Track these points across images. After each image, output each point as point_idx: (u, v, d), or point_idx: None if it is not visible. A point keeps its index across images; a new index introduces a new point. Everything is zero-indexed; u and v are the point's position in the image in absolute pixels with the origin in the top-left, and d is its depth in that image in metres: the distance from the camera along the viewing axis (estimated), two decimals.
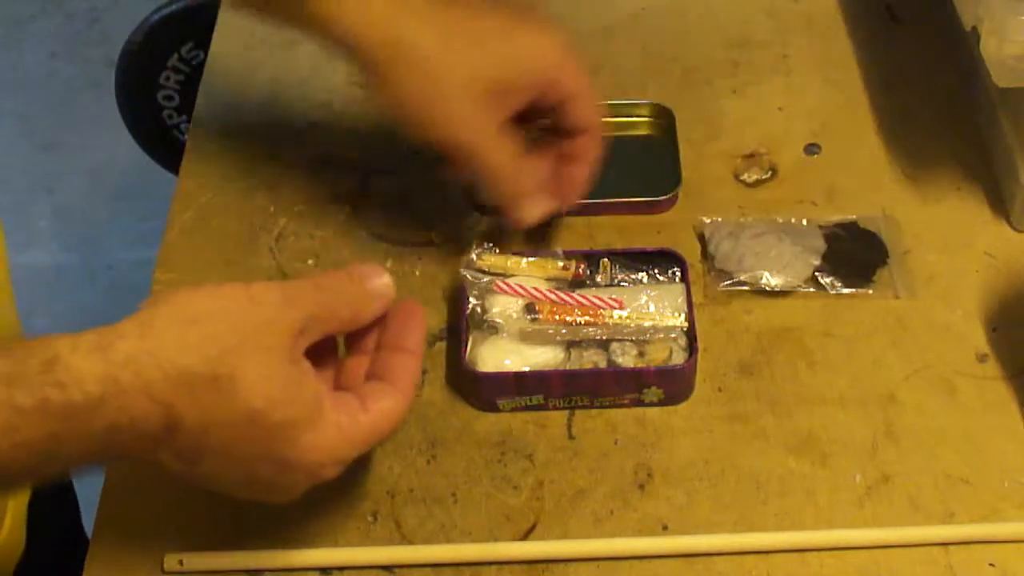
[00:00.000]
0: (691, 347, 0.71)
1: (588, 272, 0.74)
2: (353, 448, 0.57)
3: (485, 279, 0.72)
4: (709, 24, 0.95)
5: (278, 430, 0.54)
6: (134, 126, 1.82)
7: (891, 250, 0.78)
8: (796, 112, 0.88)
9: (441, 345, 0.74)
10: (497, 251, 0.74)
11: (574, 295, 0.72)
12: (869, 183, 0.83)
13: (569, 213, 0.77)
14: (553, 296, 0.71)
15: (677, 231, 0.80)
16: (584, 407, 0.71)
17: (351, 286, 0.59)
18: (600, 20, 0.95)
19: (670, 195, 0.81)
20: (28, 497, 0.78)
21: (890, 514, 0.66)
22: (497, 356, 0.70)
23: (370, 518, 0.67)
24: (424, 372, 0.72)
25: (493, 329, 0.71)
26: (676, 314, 0.71)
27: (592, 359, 0.71)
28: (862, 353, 0.74)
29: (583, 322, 0.70)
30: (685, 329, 0.71)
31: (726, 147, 0.86)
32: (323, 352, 0.59)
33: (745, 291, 0.76)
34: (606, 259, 0.74)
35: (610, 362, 0.70)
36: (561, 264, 0.73)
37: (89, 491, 0.70)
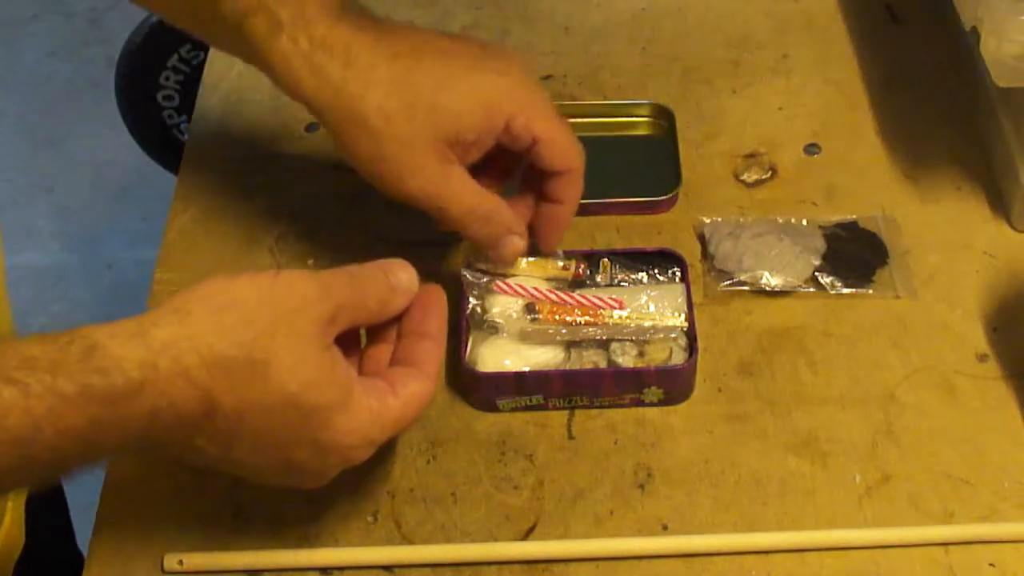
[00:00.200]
0: (691, 347, 0.71)
1: (588, 272, 0.74)
2: (383, 431, 0.58)
3: (485, 279, 0.72)
4: (709, 24, 0.95)
5: (312, 413, 0.55)
6: (134, 126, 1.83)
7: (891, 250, 0.78)
8: (796, 112, 0.88)
9: None
10: None
11: (574, 295, 0.72)
12: (869, 183, 0.83)
13: None
14: (553, 296, 0.71)
15: (677, 231, 0.80)
16: (584, 407, 0.71)
17: (382, 279, 0.60)
18: (600, 20, 0.95)
19: (670, 195, 0.81)
20: (25, 495, 0.79)
21: (890, 514, 0.66)
22: (497, 356, 0.70)
23: (370, 518, 0.67)
24: None
25: (493, 329, 0.71)
26: (676, 314, 0.71)
27: (592, 359, 0.71)
28: (862, 353, 0.74)
29: (583, 322, 0.70)
30: (685, 329, 0.71)
31: (726, 147, 0.86)
32: (346, 342, 0.59)
33: (745, 291, 0.76)
34: (606, 259, 0.74)
35: (610, 362, 0.70)
36: (561, 264, 0.73)
37: (88, 492, 0.70)
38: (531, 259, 0.73)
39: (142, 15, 1.71)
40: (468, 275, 0.73)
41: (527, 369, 0.69)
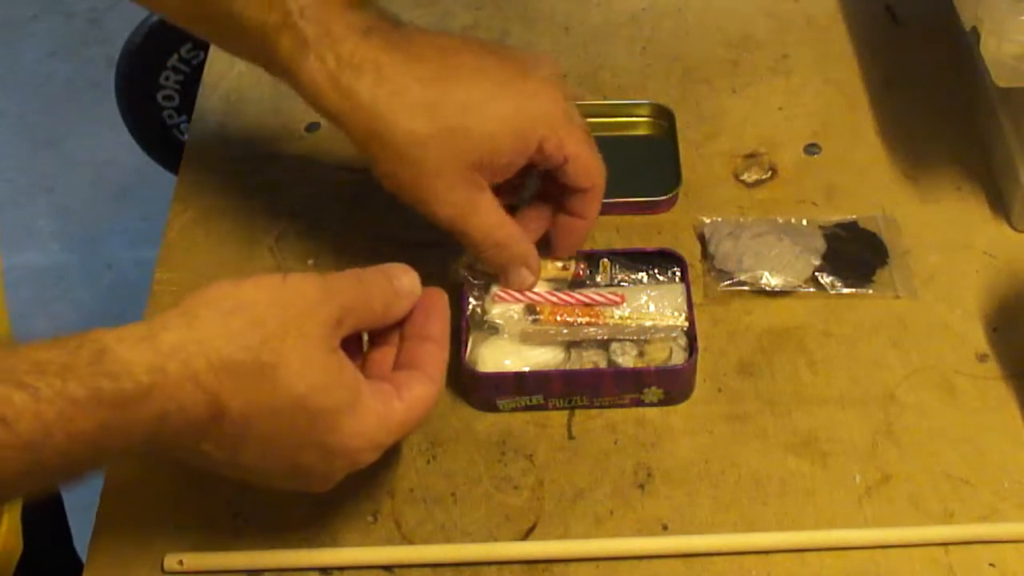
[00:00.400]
0: (691, 347, 0.71)
1: (588, 272, 0.74)
2: (389, 434, 0.58)
3: (485, 280, 0.72)
4: (709, 24, 0.95)
5: (320, 416, 0.55)
6: (134, 126, 1.83)
7: (891, 250, 0.78)
8: (796, 112, 0.88)
9: None
10: None
11: (574, 293, 0.72)
12: (869, 183, 0.83)
13: None
14: (553, 298, 0.71)
15: (677, 231, 0.80)
16: (584, 407, 0.71)
17: (386, 282, 0.61)
18: (600, 20, 0.95)
19: (670, 195, 0.81)
20: (22, 501, 0.79)
21: (890, 514, 0.66)
22: (497, 356, 0.70)
23: (370, 518, 0.67)
24: None
25: (493, 329, 0.71)
26: (676, 314, 0.71)
27: (592, 359, 0.71)
28: (862, 353, 0.74)
29: (583, 322, 0.70)
30: (685, 329, 0.71)
31: (726, 147, 0.86)
32: (348, 346, 0.59)
33: (745, 291, 0.76)
34: (606, 259, 0.74)
35: (610, 362, 0.70)
36: (561, 264, 0.73)
37: (87, 492, 0.70)
38: None
39: (142, 15, 1.71)
40: (468, 276, 0.73)
41: (527, 369, 0.69)
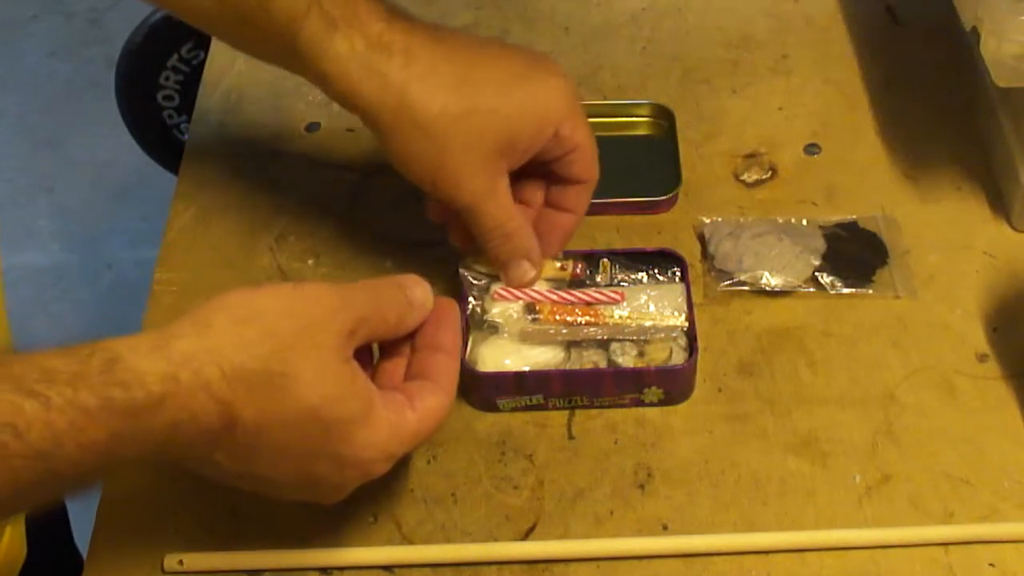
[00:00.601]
0: (691, 347, 0.71)
1: (588, 272, 0.74)
2: (402, 444, 0.58)
3: (484, 280, 0.72)
4: (709, 24, 0.95)
5: (333, 426, 0.55)
6: (134, 126, 1.83)
7: (891, 250, 0.78)
8: (796, 112, 0.88)
9: None
10: None
11: (574, 292, 0.72)
12: (869, 183, 0.83)
13: None
14: (553, 296, 0.71)
15: (677, 231, 0.80)
16: (584, 407, 0.71)
17: (399, 294, 0.60)
18: (600, 20, 0.95)
19: (670, 195, 0.81)
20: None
21: (890, 514, 0.66)
22: (497, 356, 0.70)
23: (370, 518, 0.67)
24: None
25: (493, 329, 0.71)
26: (676, 314, 0.71)
27: (592, 359, 0.71)
28: (862, 353, 0.74)
29: (583, 322, 0.70)
30: (685, 329, 0.71)
31: (726, 147, 0.86)
32: (359, 357, 0.59)
33: (745, 291, 0.76)
34: (606, 259, 0.74)
35: (610, 362, 0.70)
36: (559, 264, 0.73)
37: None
38: None
39: (142, 15, 1.71)
40: (468, 275, 0.73)
41: (527, 369, 0.69)
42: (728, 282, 0.76)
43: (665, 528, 0.66)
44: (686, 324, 0.71)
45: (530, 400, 0.71)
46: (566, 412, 0.71)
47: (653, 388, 0.70)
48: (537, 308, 0.71)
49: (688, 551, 0.65)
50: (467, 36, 0.70)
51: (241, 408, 0.53)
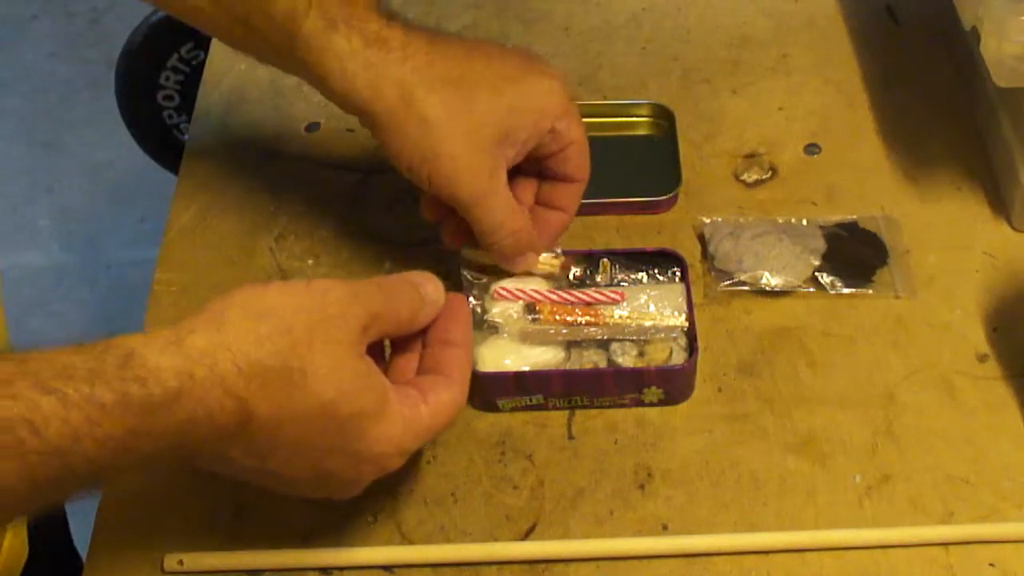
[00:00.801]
0: (691, 347, 0.71)
1: (588, 272, 0.74)
2: (416, 439, 0.58)
3: (484, 279, 0.72)
4: (709, 24, 0.95)
5: (349, 422, 0.55)
6: (134, 126, 1.83)
7: (891, 250, 0.78)
8: (796, 112, 0.88)
9: None
10: None
11: (575, 292, 0.72)
12: (869, 183, 0.83)
13: None
14: (554, 296, 0.71)
15: (677, 231, 0.80)
16: (584, 407, 0.71)
17: (412, 290, 0.61)
18: (600, 20, 0.95)
19: (670, 195, 0.81)
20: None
21: (890, 514, 0.66)
22: (497, 356, 0.70)
23: (370, 518, 0.67)
24: None
25: (493, 329, 0.71)
26: (676, 314, 0.71)
27: (592, 359, 0.71)
28: (862, 353, 0.74)
29: (583, 322, 0.70)
30: (685, 329, 0.71)
31: (726, 147, 0.86)
32: (371, 353, 0.59)
33: (745, 291, 0.76)
34: (606, 259, 0.74)
35: (610, 362, 0.70)
36: (552, 254, 0.72)
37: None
38: None
39: (142, 15, 1.71)
40: (468, 275, 0.73)
41: (527, 369, 0.69)
42: (728, 282, 0.76)
43: (665, 528, 0.66)
44: (686, 324, 0.71)
45: (530, 400, 0.71)
46: (566, 412, 0.71)
47: (653, 388, 0.70)
48: (537, 308, 0.71)
49: (688, 551, 0.65)
50: (463, 39, 0.71)
51: (257, 404, 0.53)
